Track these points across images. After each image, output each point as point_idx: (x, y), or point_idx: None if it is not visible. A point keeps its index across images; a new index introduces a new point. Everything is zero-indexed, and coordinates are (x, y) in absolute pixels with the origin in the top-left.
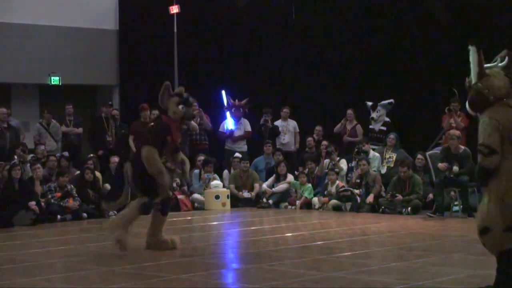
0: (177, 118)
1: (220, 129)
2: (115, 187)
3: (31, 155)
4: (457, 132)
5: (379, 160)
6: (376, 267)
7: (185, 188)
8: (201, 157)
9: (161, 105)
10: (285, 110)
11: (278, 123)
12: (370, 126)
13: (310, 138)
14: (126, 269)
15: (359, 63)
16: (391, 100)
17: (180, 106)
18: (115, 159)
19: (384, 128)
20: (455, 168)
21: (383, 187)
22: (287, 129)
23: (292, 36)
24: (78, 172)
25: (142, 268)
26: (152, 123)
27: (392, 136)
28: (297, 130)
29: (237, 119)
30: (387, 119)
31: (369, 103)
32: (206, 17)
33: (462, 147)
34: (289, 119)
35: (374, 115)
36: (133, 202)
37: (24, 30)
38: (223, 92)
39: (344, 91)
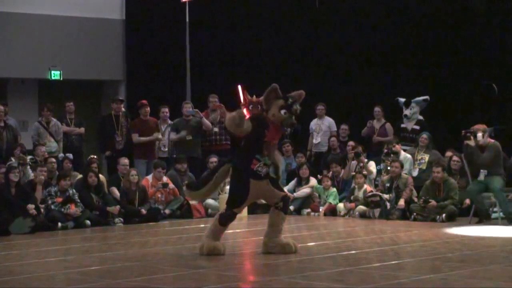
0: (276, 122)
1: None
2: (201, 177)
3: (30, 156)
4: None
5: (411, 162)
6: (408, 279)
7: None
8: (213, 159)
9: (264, 104)
10: (320, 107)
11: (314, 121)
12: (402, 125)
13: (333, 139)
14: (133, 282)
15: (386, 57)
16: (427, 97)
17: (283, 111)
18: (125, 161)
19: (417, 127)
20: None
21: (415, 192)
22: (320, 128)
23: (315, 26)
24: (80, 175)
25: (150, 280)
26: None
27: (424, 135)
28: (334, 129)
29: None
30: (420, 117)
31: (402, 100)
32: (220, 5)
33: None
34: (326, 117)
35: (407, 112)
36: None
37: (22, 20)
38: (239, 87)
39: (370, 87)
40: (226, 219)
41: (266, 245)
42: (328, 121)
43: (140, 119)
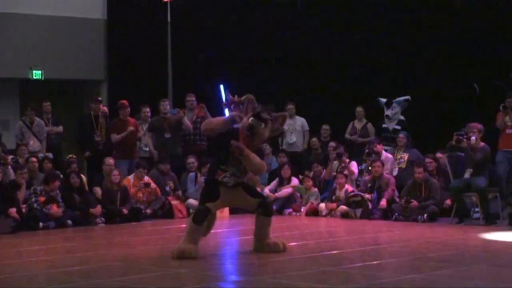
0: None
1: None
2: None
3: (11, 156)
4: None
5: (392, 162)
6: (389, 279)
7: (180, 192)
8: (191, 159)
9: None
10: (290, 107)
11: None
12: (384, 125)
13: (314, 139)
14: (114, 282)
15: (367, 56)
16: (408, 97)
17: (251, 119)
18: (110, 160)
19: (398, 127)
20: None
21: (396, 192)
22: (294, 127)
23: (296, 26)
24: (61, 175)
25: (132, 280)
26: None
27: (401, 135)
28: (306, 128)
29: None
30: (401, 117)
31: (383, 100)
32: (202, 4)
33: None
34: (296, 117)
35: (388, 112)
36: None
37: (3, 20)
38: (222, 87)
39: (352, 87)
40: (198, 215)
41: (257, 249)
42: (301, 120)
43: (119, 119)
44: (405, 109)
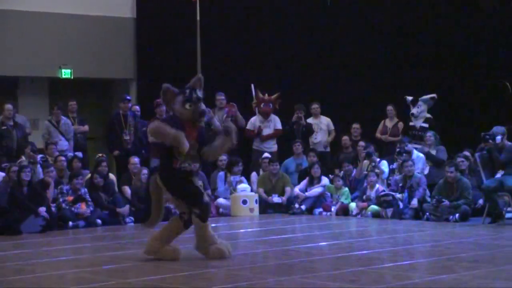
0: (187, 120)
1: (248, 127)
2: (146, 203)
3: (40, 155)
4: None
5: (423, 161)
6: (420, 280)
7: (209, 192)
8: (223, 158)
9: (168, 108)
10: (315, 106)
11: (310, 120)
12: (411, 124)
13: (345, 137)
14: (144, 282)
15: (398, 53)
16: (434, 95)
17: (187, 105)
18: (134, 160)
19: (425, 125)
20: None
21: (428, 191)
22: (319, 127)
23: (326, 24)
24: (89, 174)
25: (161, 280)
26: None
27: (429, 134)
28: (331, 127)
29: (266, 116)
30: (428, 115)
31: (409, 98)
32: (232, 3)
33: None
34: (321, 116)
35: (414, 111)
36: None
37: (32, 18)
38: (252, 86)
39: (383, 85)
40: (207, 212)
41: (199, 251)
42: (326, 119)
43: (156, 119)
44: (432, 107)
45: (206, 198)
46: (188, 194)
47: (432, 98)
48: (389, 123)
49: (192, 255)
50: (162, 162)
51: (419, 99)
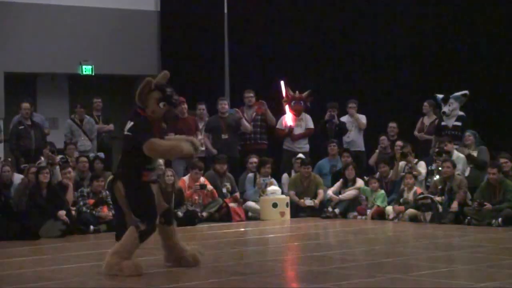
0: (157, 119)
1: (278, 126)
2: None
3: (60, 156)
4: None
5: (464, 162)
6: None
7: (237, 194)
8: (254, 159)
9: (139, 101)
10: (352, 105)
11: (343, 119)
12: (443, 123)
13: (383, 137)
14: None
15: (433, 49)
16: (466, 92)
17: (161, 104)
18: (159, 160)
19: (458, 123)
20: None
21: (469, 194)
22: (353, 125)
23: (361, 20)
24: (111, 176)
25: (187, 287)
26: (132, 122)
27: (468, 133)
28: (364, 126)
29: (297, 114)
30: (461, 113)
31: (440, 96)
32: None
33: None
34: (358, 115)
35: (446, 109)
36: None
37: (51, 12)
38: (282, 82)
39: (422, 80)
40: (147, 235)
41: (166, 260)
42: (361, 117)
43: (178, 117)
44: (467, 104)
45: (157, 222)
46: (145, 208)
47: (464, 95)
48: (426, 121)
49: (221, 260)
50: (130, 170)
51: (450, 96)
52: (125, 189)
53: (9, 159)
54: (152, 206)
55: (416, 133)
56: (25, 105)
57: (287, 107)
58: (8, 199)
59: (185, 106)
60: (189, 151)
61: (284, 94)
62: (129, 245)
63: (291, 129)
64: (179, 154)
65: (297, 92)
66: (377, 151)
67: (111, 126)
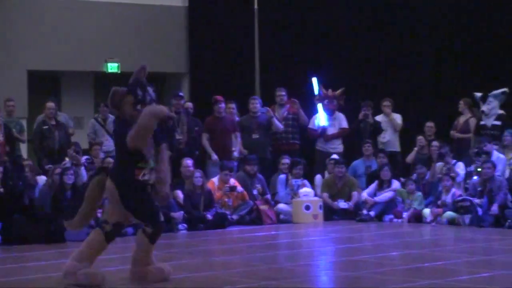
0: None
1: (310, 126)
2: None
3: (86, 156)
4: None
5: (504, 162)
6: None
7: (269, 196)
8: (286, 160)
9: (114, 109)
10: (386, 104)
11: (379, 118)
12: (481, 122)
13: (420, 137)
14: None
15: (473, 45)
16: (505, 89)
17: (138, 107)
18: (187, 162)
19: (498, 122)
20: None
21: (509, 196)
22: (388, 125)
23: (395, 16)
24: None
25: None
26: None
27: (506, 133)
28: (400, 126)
29: (330, 113)
30: (501, 111)
31: (478, 94)
32: None
33: None
34: (393, 114)
35: (484, 108)
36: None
37: (76, 8)
38: (314, 80)
39: (460, 79)
40: (156, 236)
41: (136, 276)
42: (397, 117)
43: (214, 117)
44: (504, 102)
45: (162, 218)
46: (145, 210)
47: (503, 92)
48: (462, 119)
49: (252, 265)
50: (121, 169)
51: (489, 94)
52: (118, 190)
53: (30, 161)
54: (152, 206)
55: (452, 132)
56: (50, 104)
57: (319, 106)
58: (32, 201)
59: (222, 105)
60: (163, 111)
61: (316, 92)
62: (94, 248)
63: (323, 129)
64: (156, 120)
65: (330, 90)
66: (415, 149)
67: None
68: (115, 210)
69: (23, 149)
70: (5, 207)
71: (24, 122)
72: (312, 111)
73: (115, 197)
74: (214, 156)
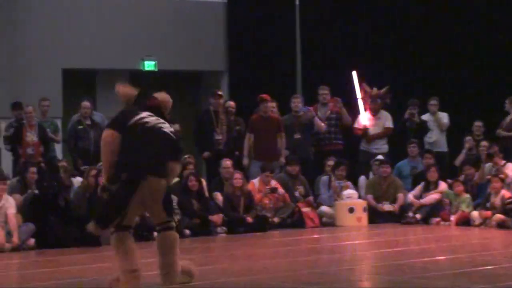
0: None
1: (355, 125)
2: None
3: None
4: None
5: None
6: None
7: (311, 198)
8: (331, 161)
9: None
10: (433, 102)
11: (426, 117)
12: None
13: (469, 137)
14: None
15: None
16: None
17: None
18: (227, 163)
19: None
20: None
21: None
22: (435, 124)
23: (442, 14)
24: (177, 178)
25: None
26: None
27: None
28: (447, 125)
29: (373, 113)
30: None
31: None
32: None
33: None
34: (439, 113)
35: None
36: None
37: (112, 5)
38: (354, 74)
39: (509, 78)
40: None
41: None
42: (443, 116)
43: (260, 116)
44: None
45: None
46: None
47: None
48: (508, 118)
49: (294, 269)
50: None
51: None
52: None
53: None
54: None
55: (499, 131)
56: (85, 104)
57: (363, 105)
58: (68, 203)
59: (269, 104)
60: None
61: (359, 90)
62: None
63: (365, 129)
64: None
65: (374, 88)
66: (463, 151)
67: (176, 126)
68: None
69: (58, 149)
70: (40, 209)
71: (58, 122)
72: (356, 110)
73: (161, 195)
74: (245, 161)
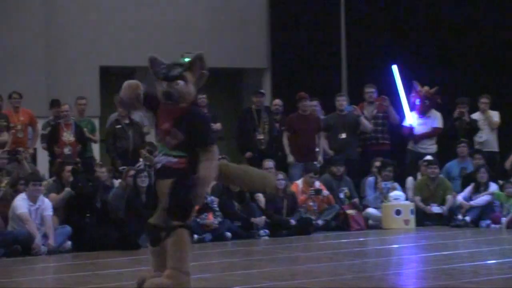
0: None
1: (404, 124)
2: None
3: None
4: None
5: None
6: None
7: (357, 200)
8: (377, 162)
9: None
10: (484, 101)
11: (476, 116)
12: None
13: None
14: None
15: None
16: None
17: (164, 84)
18: (269, 163)
19: None
20: None
21: None
22: (485, 123)
23: (491, 9)
24: None
25: None
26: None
27: None
28: (497, 124)
29: (422, 113)
30: None
31: None
32: None
33: None
34: (490, 111)
35: None
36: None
37: (150, 1)
38: (394, 68)
39: None
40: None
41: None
42: (495, 114)
43: (299, 115)
44: None
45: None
46: None
47: None
48: None
49: (338, 273)
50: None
51: None
52: None
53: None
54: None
55: None
56: None
57: (411, 104)
58: (106, 205)
59: (307, 103)
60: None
61: (396, 80)
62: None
63: (411, 128)
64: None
65: (424, 87)
66: None
67: (218, 126)
68: None
69: (96, 149)
70: (76, 210)
71: (96, 121)
72: (402, 109)
73: None
74: (290, 158)
